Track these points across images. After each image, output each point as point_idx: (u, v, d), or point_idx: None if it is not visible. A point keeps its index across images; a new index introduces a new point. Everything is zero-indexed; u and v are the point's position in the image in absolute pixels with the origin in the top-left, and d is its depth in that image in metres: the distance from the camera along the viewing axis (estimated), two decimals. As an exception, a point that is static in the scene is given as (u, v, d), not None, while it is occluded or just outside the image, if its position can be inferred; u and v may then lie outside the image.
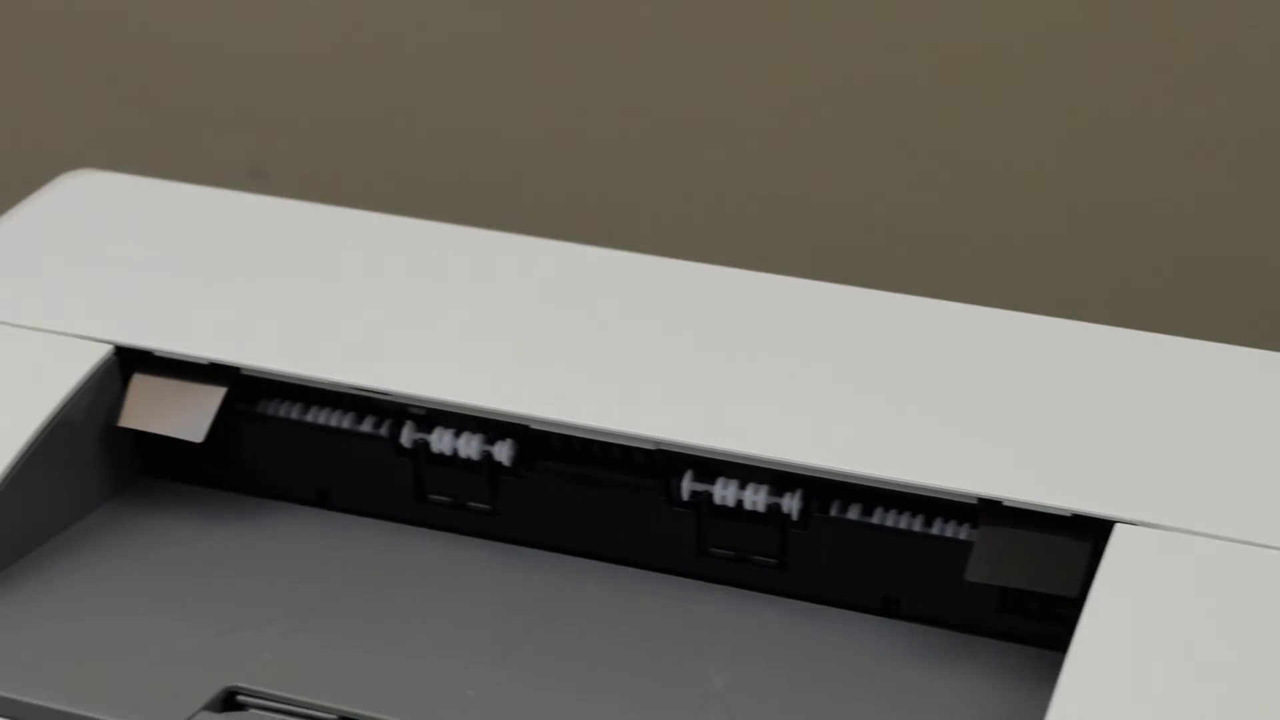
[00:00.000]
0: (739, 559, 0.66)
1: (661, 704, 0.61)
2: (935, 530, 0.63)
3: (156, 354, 0.69)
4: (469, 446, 0.67)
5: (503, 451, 0.67)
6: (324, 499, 0.70)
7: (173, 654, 0.63)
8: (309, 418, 0.69)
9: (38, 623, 0.64)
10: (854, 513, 0.64)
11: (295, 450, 0.70)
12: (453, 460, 0.68)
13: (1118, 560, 0.59)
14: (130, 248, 0.74)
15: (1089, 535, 0.60)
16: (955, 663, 0.63)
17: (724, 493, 0.65)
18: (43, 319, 0.70)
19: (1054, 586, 0.61)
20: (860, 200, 1.02)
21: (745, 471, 0.65)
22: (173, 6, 1.08)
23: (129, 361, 0.70)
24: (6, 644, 0.63)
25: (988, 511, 0.62)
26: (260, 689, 0.61)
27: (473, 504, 0.68)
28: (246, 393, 0.70)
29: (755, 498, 0.65)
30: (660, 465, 0.66)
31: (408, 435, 0.68)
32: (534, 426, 0.66)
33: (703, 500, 0.65)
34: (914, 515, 0.64)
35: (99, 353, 0.69)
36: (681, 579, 0.66)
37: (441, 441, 0.68)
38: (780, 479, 0.64)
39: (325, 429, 0.69)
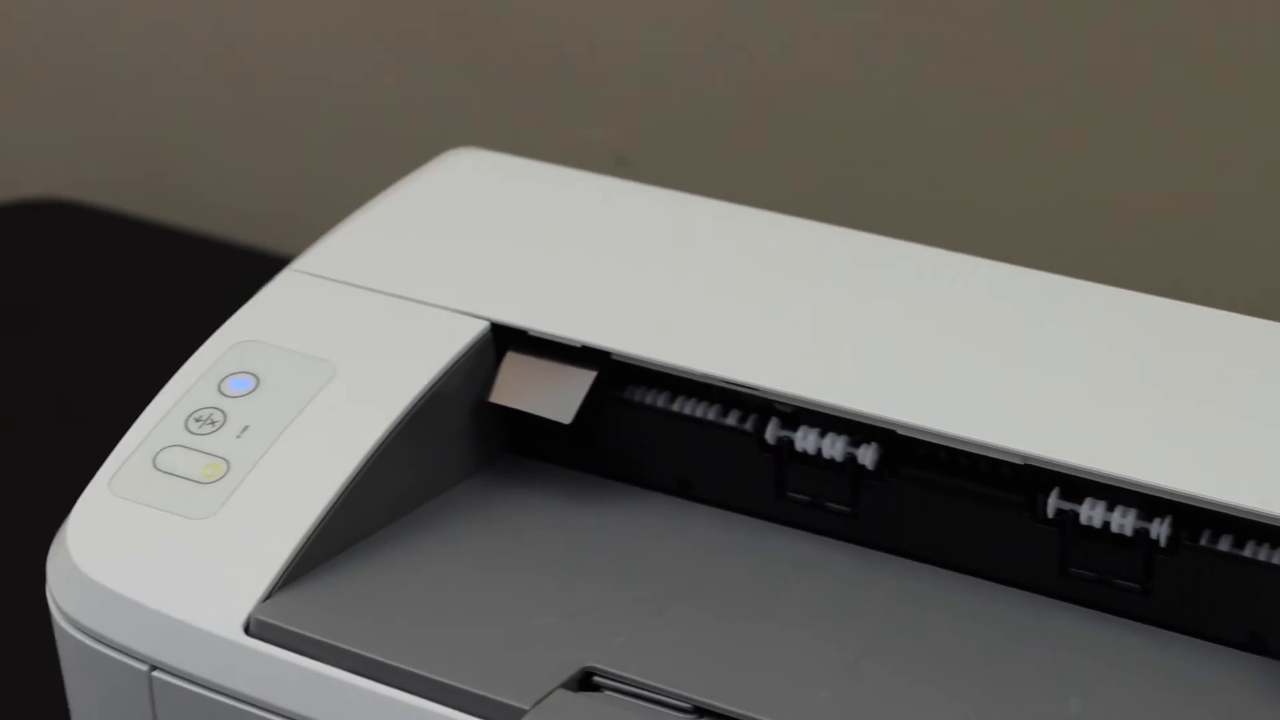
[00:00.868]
0: (1100, 581, 0.65)
1: (1015, 723, 0.60)
2: (1310, 569, 0.62)
3: (531, 333, 0.71)
4: (833, 447, 0.67)
5: (867, 455, 0.67)
6: (684, 488, 0.70)
7: (530, 629, 0.64)
8: (675, 407, 0.70)
9: (402, 588, 0.66)
10: (1225, 544, 0.63)
11: (659, 438, 0.70)
12: (815, 460, 0.68)
13: None
14: (509, 226, 0.75)
15: None
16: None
17: (1090, 513, 0.64)
18: (424, 292, 0.72)
19: None
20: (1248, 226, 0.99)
21: (1114, 493, 0.64)
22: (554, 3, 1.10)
23: (503, 339, 0.71)
24: (373, 606, 0.65)
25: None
26: (616, 671, 0.62)
27: (832, 505, 0.68)
28: (615, 377, 0.70)
29: (1123, 521, 0.63)
30: (1027, 480, 0.65)
31: (772, 432, 0.68)
32: (900, 432, 0.66)
33: (1068, 519, 0.64)
34: (1288, 552, 0.62)
35: (475, 329, 0.71)
36: (1039, 596, 0.66)
37: (805, 440, 0.68)
38: (1150, 503, 0.63)
39: (691, 419, 0.69)
